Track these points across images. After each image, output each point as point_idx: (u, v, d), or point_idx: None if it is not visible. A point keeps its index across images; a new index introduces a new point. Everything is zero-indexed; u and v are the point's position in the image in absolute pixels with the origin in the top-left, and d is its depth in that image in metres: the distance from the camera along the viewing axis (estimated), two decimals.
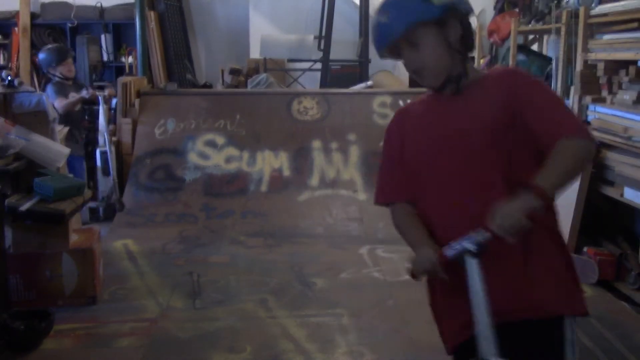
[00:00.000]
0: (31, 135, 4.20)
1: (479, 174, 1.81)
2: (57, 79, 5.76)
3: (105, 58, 8.32)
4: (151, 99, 6.68)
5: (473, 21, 8.80)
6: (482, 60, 7.60)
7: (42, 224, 3.85)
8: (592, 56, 4.87)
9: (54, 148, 4.35)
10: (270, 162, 6.35)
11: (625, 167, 4.37)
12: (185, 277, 4.50)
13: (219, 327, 3.69)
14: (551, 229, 1.88)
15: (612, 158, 4.54)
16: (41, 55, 5.94)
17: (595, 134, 4.83)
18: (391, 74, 8.32)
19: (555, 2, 5.59)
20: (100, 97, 6.60)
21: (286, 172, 6.29)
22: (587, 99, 4.88)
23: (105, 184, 6.07)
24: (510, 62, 6.26)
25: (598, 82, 4.79)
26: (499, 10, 7.57)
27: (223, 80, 8.01)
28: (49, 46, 6.11)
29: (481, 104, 1.83)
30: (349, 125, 6.45)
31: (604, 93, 4.74)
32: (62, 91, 5.65)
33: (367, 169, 6.19)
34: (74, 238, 4.09)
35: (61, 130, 4.97)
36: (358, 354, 3.39)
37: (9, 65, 8.19)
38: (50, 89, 5.68)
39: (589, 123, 5.09)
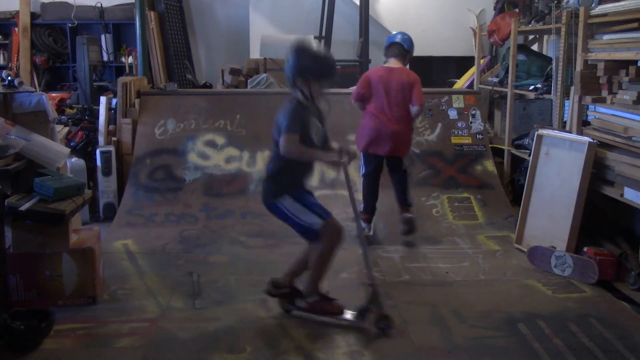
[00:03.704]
0: (31, 135, 4.21)
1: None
2: (301, 95, 3.66)
3: (105, 58, 8.33)
4: (151, 99, 6.68)
5: (473, 21, 8.85)
6: (482, 61, 7.61)
7: (42, 224, 3.85)
8: (592, 56, 4.87)
9: (54, 148, 4.36)
10: None
11: (625, 167, 4.37)
12: (185, 277, 4.51)
13: (219, 327, 3.69)
14: None
15: (612, 158, 4.55)
16: (302, 56, 3.64)
17: (595, 134, 4.84)
18: None
19: (555, 2, 5.59)
20: (102, 98, 6.62)
21: None
22: (587, 99, 4.89)
23: (105, 184, 6.08)
24: (510, 62, 6.26)
25: (598, 82, 4.79)
26: (499, 10, 7.58)
27: (223, 80, 8.01)
28: (315, 49, 3.75)
29: None
30: (349, 125, 6.43)
31: (604, 93, 4.74)
32: (300, 117, 3.60)
33: None
34: (74, 238, 4.08)
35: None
36: (358, 354, 3.39)
37: (9, 65, 8.21)
38: (285, 112, 3.63)
39: (589, 123, 5.10)
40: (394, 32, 5.46)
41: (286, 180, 3.68)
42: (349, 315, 3.70)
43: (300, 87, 3.62)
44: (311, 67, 3.60)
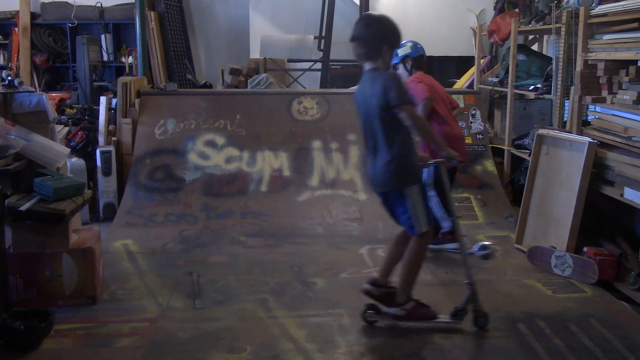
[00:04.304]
0: (31, 135, 4.20)
1: None
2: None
3: (105, 58, 8.34)
4: (151, 99, 6.68)
5: (473, 21, 8.84)
6: (482, 61, 7.61)
7: (42, 224, 3.85)
8: (592, 56, 4.87)
9: (54, 148, 4.36)
10: (270, 162, 6.35)
11: (625, 167, 4.37)
12: (185, 277, 4.51)
13: (219, 327, 3.69)
14: None
15: (612, 158, 4.55)
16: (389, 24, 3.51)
17: (595, 134, 4.84)
18: None
19: (555, 2, 5.59)
20: (102, 98, 6.61)
21: (286, 172, 6.30)
22: (587, 99, 4.89)
23: (105, 184, 6.08)
24: (510, 62, 6.26)
25: (598, 82, 4.80)
26: (499, 10, 7.58)
27: (223, 80, 8.02)
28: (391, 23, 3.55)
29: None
30: (349, 125, 6.45)
31: (604, 93, 4.74)
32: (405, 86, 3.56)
33: None
34: (74, 238, 4.09)
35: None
36: (358, 354, 3.39)
37: (9, 65, 8.21)
38: (389, 84, 3.37)
39: (589, 123, 5.10)
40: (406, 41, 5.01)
41: (412, 163, 3.49)
42: (444, 318, 3.64)
43: (385, 56, 3.44)
44: (395, 36, 3.48)
